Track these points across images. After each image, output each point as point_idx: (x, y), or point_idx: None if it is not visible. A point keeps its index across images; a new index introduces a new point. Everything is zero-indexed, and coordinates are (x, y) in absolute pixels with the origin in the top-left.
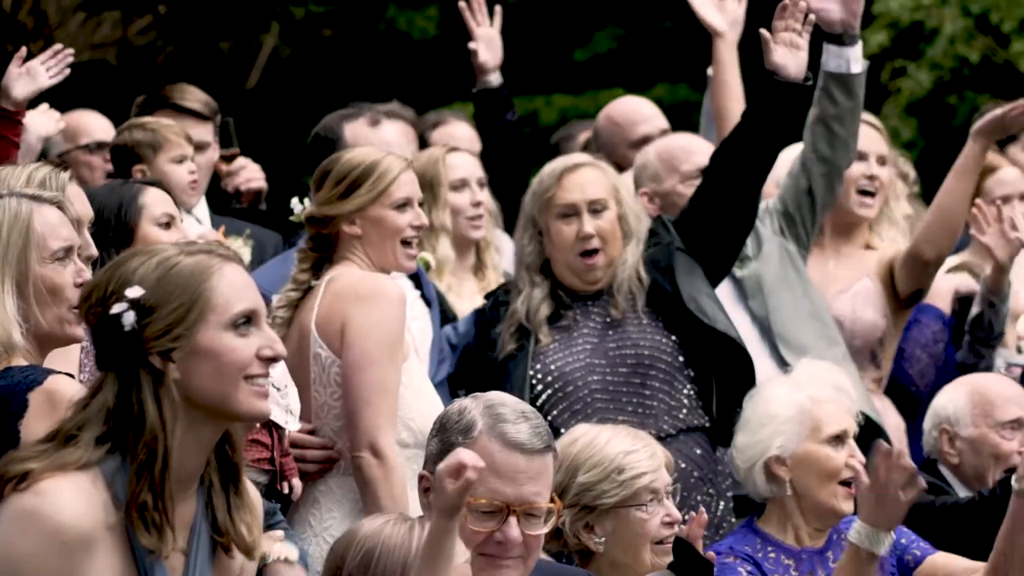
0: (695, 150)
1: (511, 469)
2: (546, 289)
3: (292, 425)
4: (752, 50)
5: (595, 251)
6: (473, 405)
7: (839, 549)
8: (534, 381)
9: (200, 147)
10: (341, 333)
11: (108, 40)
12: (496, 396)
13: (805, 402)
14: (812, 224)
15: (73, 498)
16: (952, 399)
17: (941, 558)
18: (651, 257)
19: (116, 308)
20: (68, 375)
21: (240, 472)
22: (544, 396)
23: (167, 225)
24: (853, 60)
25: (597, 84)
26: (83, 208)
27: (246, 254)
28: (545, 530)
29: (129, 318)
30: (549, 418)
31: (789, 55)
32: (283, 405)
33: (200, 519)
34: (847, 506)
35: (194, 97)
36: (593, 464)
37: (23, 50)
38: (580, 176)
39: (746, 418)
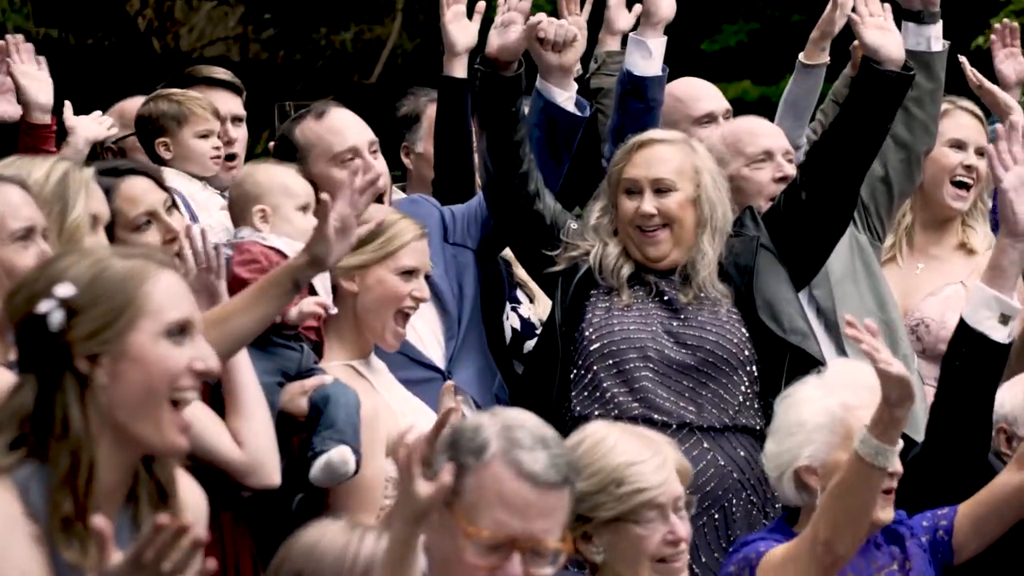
0: (761, 132)
1: (521, 501)
2: (619, 249)
3: (332, 310)
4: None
5: (654, 229)
6: (490, 423)
7: (878, 551)
8: (588, 331)
9: (237, 119)
10: None
11: (232, 35)
12: (516, 416)
13: (836, 409)
14: (888, 214)
15: None
16: (1010, 397)
17: (967, 505)
18: (731, 249)
19: (43, 306)
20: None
21: (170, 490)
22: (595, 347)
23: (147, 223)
24: (933, 39)
25: (726, 77)
26: (101, 207)
27: None
28: (550, 572)
29: (56, 317)
30: (590, 374)
31: (882, 36)
32: (326, 288)
33: (126, 536)
34: (884, 515)
35: (222, 71)
36: (592, 472)
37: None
38: (651, 153)
39: (776, 424)
